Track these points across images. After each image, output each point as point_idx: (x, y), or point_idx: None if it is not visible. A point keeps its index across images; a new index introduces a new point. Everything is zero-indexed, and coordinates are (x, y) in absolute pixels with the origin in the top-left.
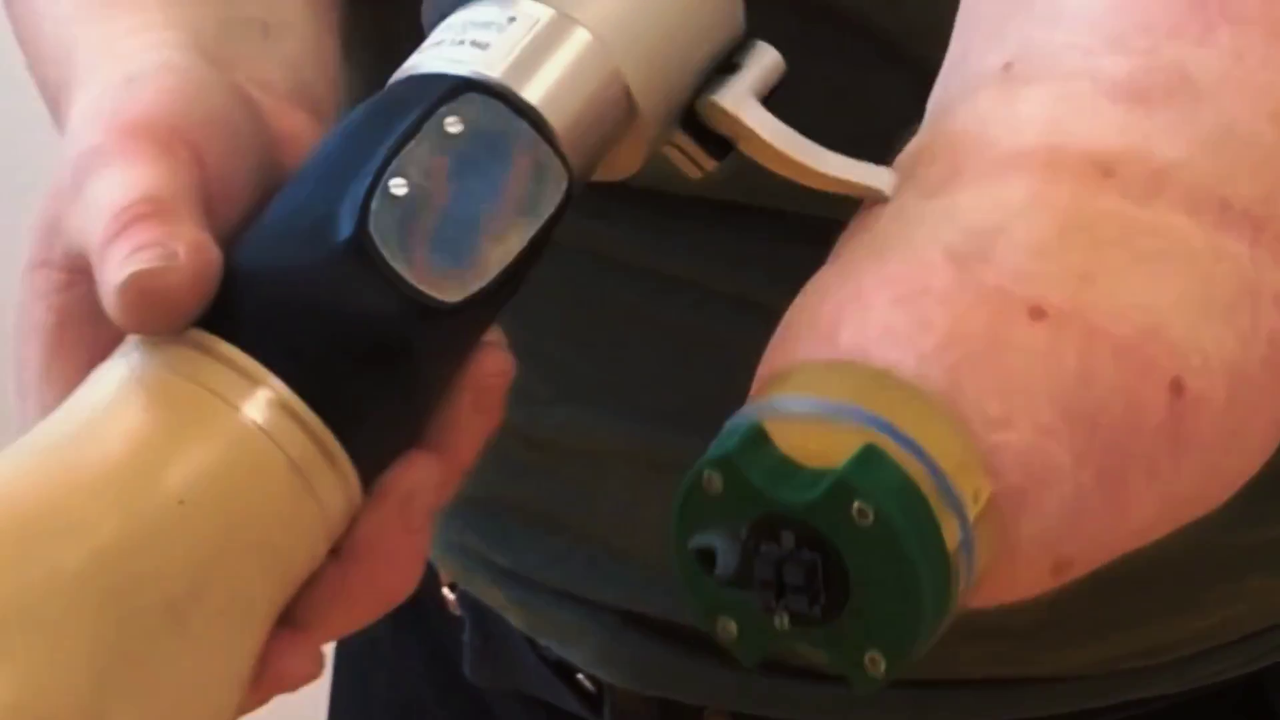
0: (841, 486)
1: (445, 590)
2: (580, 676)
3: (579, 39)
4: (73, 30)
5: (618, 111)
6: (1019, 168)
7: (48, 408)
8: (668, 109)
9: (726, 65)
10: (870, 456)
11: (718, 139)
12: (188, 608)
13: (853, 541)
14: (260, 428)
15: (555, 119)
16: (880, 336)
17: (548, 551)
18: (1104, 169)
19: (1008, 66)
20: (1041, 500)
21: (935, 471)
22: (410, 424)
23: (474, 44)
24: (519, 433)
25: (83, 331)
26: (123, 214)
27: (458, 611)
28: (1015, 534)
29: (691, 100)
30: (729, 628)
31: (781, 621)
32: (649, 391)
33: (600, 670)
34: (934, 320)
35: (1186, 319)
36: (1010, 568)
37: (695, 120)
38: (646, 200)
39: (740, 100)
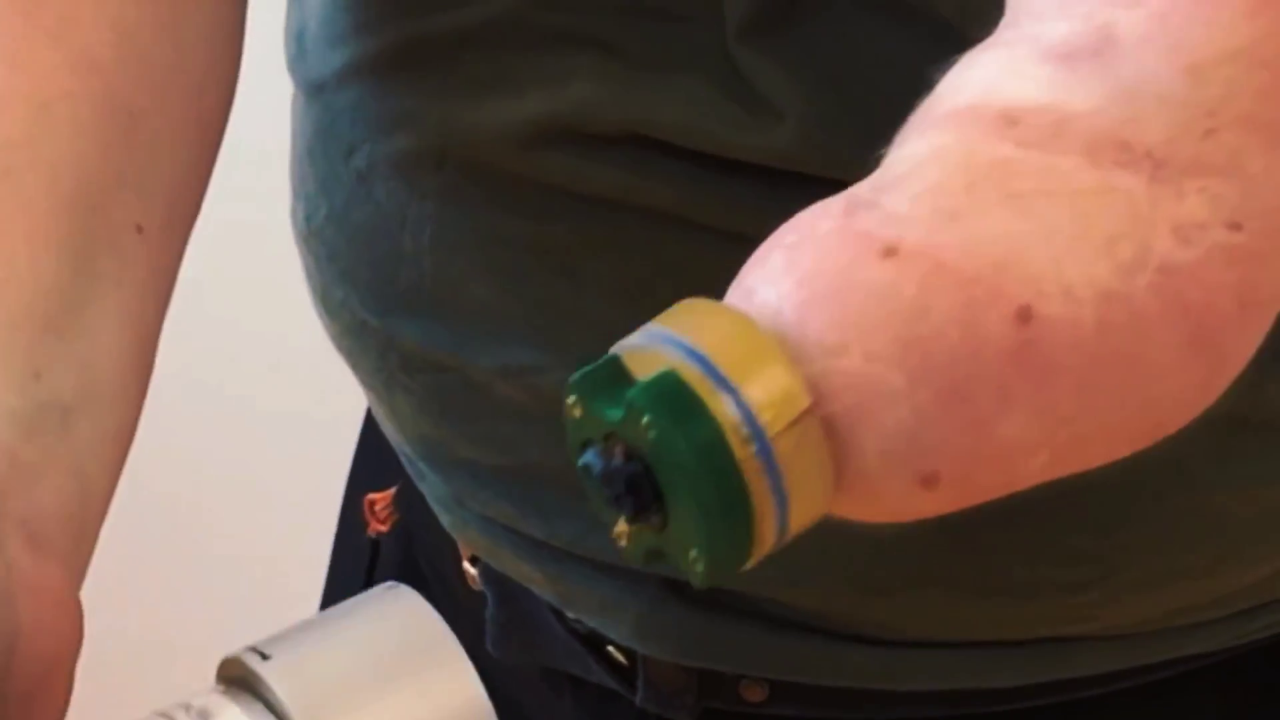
0: (632, 405)
1: (466, 565)
2: (611, 648)
3: None
4: None
5: None
6: (942, 124)
7: None
8: None
9: None
10: (663, 378)
11: None
12: None
13: (651, 454)
14: None
15: None
16: (765, 276)
17: (586, 521)
18: (1010, 120)
19: (996, 32)
20: (877, 419)
21: (728, 388)
22: None
23: None
24: (560, 399)
25: None
26: None
27: (479, 586)
28: (860, 450)
29: None
30: (621, 538)
31: (629, 529)
32: None
33: (639, 643)
34: (800, 262)
35: (1049, 251)
36: (868, 481)
37: None
38: (698, 159)
39: None
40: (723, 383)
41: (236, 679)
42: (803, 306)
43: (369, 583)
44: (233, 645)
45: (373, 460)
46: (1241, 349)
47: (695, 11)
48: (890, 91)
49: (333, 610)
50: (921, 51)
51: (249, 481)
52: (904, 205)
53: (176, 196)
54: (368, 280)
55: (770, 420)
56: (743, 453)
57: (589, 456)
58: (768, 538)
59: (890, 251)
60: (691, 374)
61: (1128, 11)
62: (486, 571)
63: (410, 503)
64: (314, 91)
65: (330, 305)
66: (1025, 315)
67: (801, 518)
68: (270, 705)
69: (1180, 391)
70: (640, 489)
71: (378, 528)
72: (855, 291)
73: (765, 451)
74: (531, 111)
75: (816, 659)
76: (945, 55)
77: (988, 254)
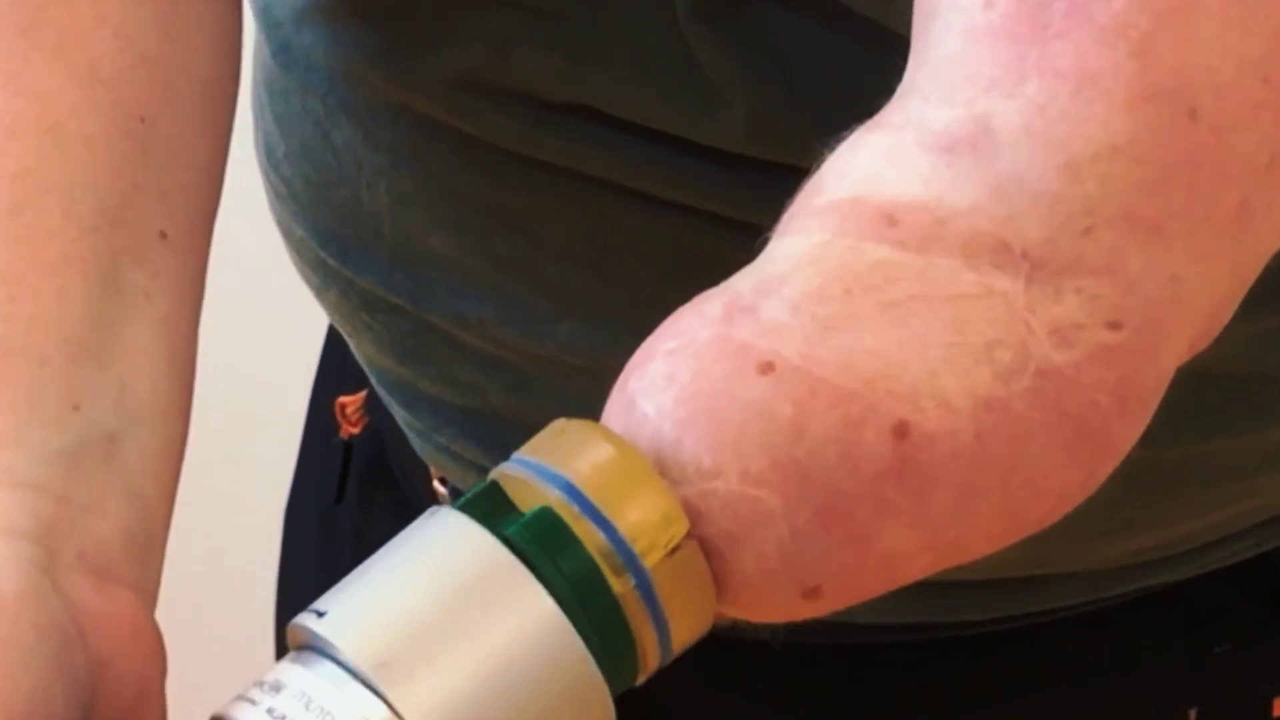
0: (511, 541)
1: (436, 484)
2: None
3: None
4: None
5: None
6: (823, 217)
7: None
8: None
9: None
10: (539, 516)
11: None
12: None
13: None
14: None
15: None
16: (645, 387)
17: None
18: (889, 219)
19: (885, 110)
20: (755, 540)
21: (601, 521)
22: None
23: None
24: (520, 349)
25: None
26: None
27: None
28: (740, 569)
29: None
30: None
31: None
32: (654, 312)
33: None
34: (679, 374)
35: (926, 362)
36: (752, 595)
37: None
38: (655, 137)
39: None
40: (596, 516)
41: (303, 645)
42: (681, 425)
43: (342, 484)
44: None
45: (340, 365)
46: (1125, 441)
47: None
48: (838, 81)
49: (381, 551)
50: (862, 47)
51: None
52: (783, 314)
53: (196, 197)
54: (327, 224)
55: (645, 549)
56: (619, 585)
57: None
58: (650, 661)
59: (767, 367)
60: (565, 510)
61: (1006, 102)
62: (456, 492)
63: (379, 409)
64: (272, 27)
65: (292, 240)
66: (902, 431)
67: (684, 636)
68: (339, 662)
69: (1061, 488)
70: None
71: (349, 430)
72: (732, 410)
73: (643, 582)
74: (483, 74)
75: None
76: (880, 53)
77: (864, 368)
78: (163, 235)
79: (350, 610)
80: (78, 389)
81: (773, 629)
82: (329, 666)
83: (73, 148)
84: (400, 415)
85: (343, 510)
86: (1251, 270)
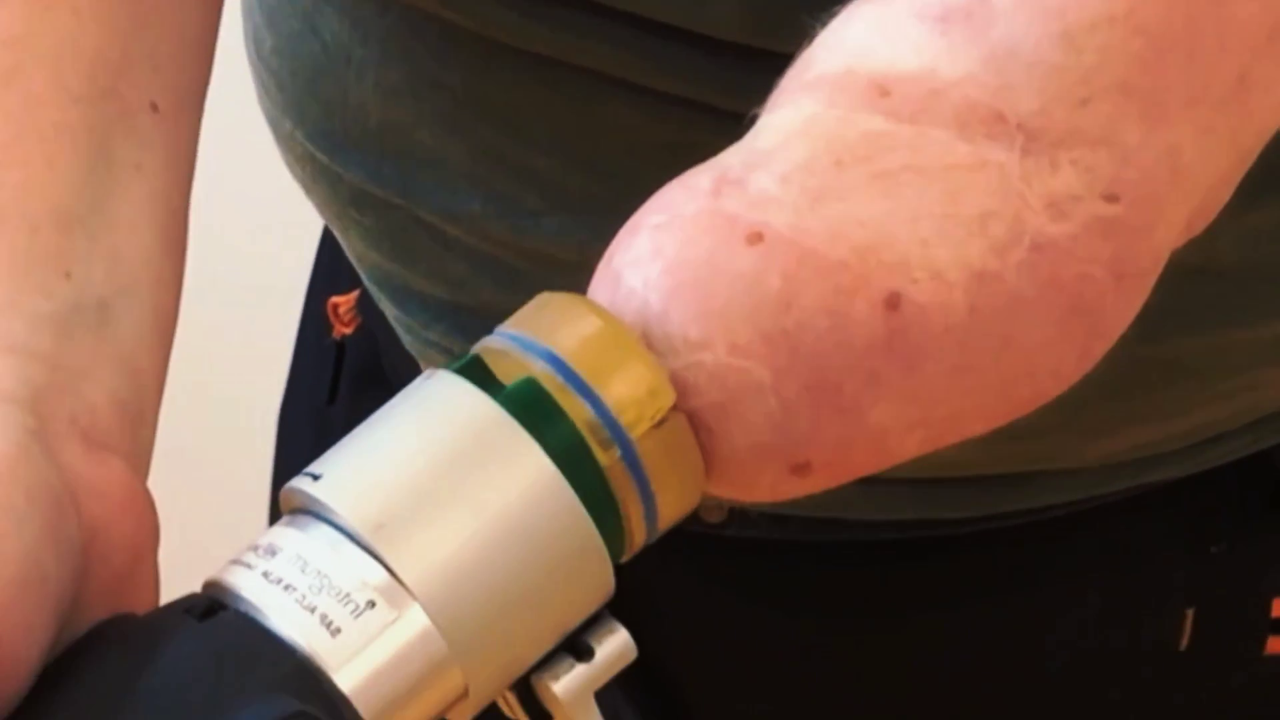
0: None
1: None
2: None
3: (436, 655)
4: None
5: (445, 706)
6: (814, 90)
7: None
8: (499, 692)
9: (576, 644)
10: (523, 387)
11: (542, 713)
12: None
13: None
14: None
15: None
16: (631, 260)
17: None
18: (881, 90)
19: None
20: (743, 413)
21: (587, 393)
22: None
23: (325, 621)
24: (509, 243)
25: None
26: None
27: None
28: (729, 443)
29: (529, 673)
30: None
31: None
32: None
33: None
34: (666, 247)
35: (917, 233)
36: (740, 471)
37: (526, 685)
38: (648, 26)
39: (578, 700)
40: (581, 387)
41: (298, 509)
42: (667, 297)
43: (335, 384)
44: None
45: (332, 266)
46: (1120, 318)
47: None
48: None
49: (376, 415)
50: None
51: None
52: (772, 186)
53: (187, 70)
54: (314, 118)
55: (631, 421)
56: (605, 458)
57: None
58: (637, 536)
59: (756, 238)
60: (550, 381)
61: None
62: None
63: (371, 308)
64: None
65: (280, 135)
66: (894, 302)
67: (671, 511)
68: (335, 525)
69: (1056, 364)
70: None
71: (342, 330)
72: (720, 281)
73: (629, 455)
74: None
75: None
76: None
77: (854, 238)
78: (154, 107)
79: (346, 473)
80: (68, 256)
81: (768, 525)
82: (325, 529)
83: (61, 17)
84: (391, 313)
85: (335, 410)
86: (1250, 148)
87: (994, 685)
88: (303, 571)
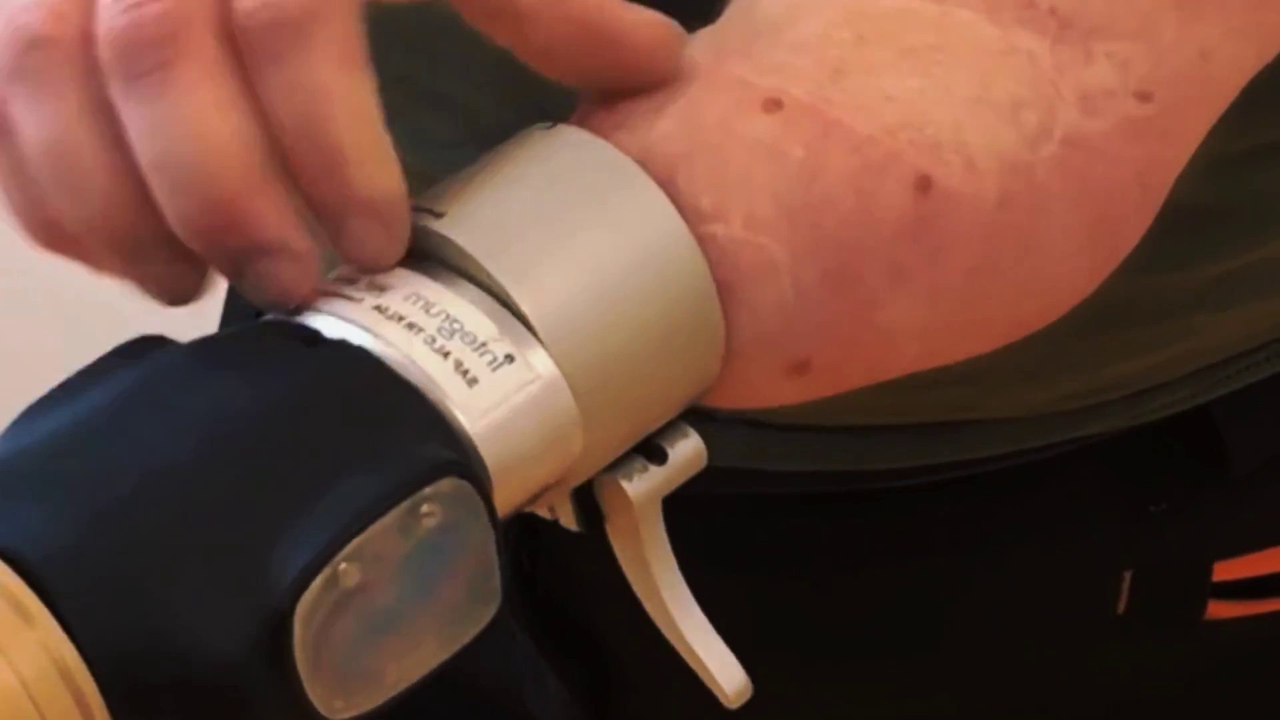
0: None
1: None
2: None
3: (567, 419)
4: None
5: (560, 474)
6: None
7: None
8: (603, 464)
9: (649, 445)
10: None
11: (595, 510)
12: None
13: None
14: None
15: (505, 511)
16: (622, 120)
17: None
18: None
19: None
20: (754, 296)
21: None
22: None
23: (460, 368)
24: (423, 174)
25: None
26: None
27: None
28: (733, 332)
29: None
30: None
31: None
32: None
33: None
34: (668, 108)
35: (950, 115)
36: (736, 364)
37: (586, 487)
38: None
39: (649, 503)
40: None
41: (411, 248)
42: (676, 161)
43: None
44: None
45: None
46: (1134, 236)
47: None
48: None
49: (493, 154)
50: None
51: None
52: (781, 54)
53: None
54: None
55: None
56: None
57: None
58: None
59: (774, 104)
60: None
61: None
62: None
63: None
64: None
65: None
66: (924, 185)
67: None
68: (450, 264)
69: (1071, 275)
70: None
71: None
72: (735, 148)
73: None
74: None
75: None
76: None
77: (883, 114)
78: None
79: (469, 210)
80: None
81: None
82: (438, 269)
83: None
84: None
85: None
86: (1268, 58)
87: (927, 645)
88: (427, 313)
